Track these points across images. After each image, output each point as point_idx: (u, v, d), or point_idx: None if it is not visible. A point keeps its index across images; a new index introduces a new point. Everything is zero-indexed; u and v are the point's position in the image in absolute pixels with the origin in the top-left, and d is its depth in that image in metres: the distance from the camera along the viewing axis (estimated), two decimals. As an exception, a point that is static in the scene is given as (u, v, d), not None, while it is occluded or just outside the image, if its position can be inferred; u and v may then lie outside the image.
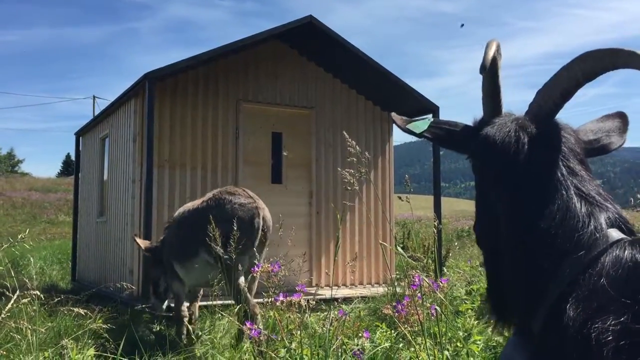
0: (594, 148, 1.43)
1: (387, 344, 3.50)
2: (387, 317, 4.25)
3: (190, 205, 5.16)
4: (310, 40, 8.38)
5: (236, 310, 4.11)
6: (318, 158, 8.65)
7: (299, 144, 8.56)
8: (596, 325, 1.02)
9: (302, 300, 3.06)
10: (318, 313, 5.47)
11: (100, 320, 4.03)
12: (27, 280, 3.99)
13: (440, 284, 3.22)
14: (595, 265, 1.12)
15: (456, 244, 13.79)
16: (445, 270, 8.46)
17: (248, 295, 4.50)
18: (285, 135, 8.50)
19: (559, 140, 1.32)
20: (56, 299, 4.32)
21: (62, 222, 24.75)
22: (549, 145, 1.31)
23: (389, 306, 4.07)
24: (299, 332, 3.06)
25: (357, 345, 3.40)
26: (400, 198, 3.34)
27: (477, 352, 3.45)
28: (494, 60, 1.39)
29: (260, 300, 4.83)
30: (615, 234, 1.18)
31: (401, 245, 10.72)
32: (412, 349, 3.19)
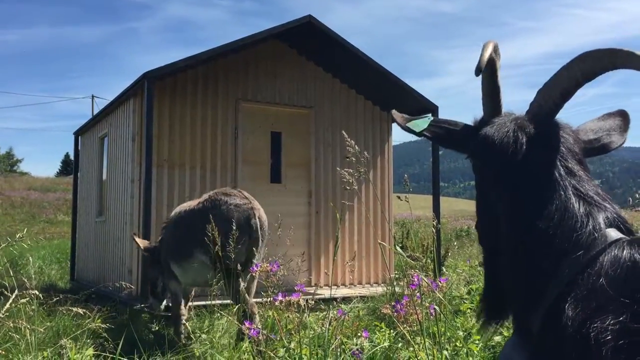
0: (594, 147, 1.42)
1: (386, 344, 3.50)
2: (386, 317, 4.25)
3: (186, 205, 5.21)
4: (309, 40, 8.38)
5: (235, 310, 4.11)
6: (317, 157, 8.65)
7: (298, 143, 8.56)
8: (595, 325, 1.03)
9: (301, 299, 3.06)
10: (317, 313, 5.47)
11: (99, 320, 4.03)
12: (25, 280, 3.99)
13: (439, 283, 3.22)
14: (593, 265, 1.13)
15: (455, 243, 13.80)
16: (444, 269, 8.46)
17: (246, 295, 4.51)
18: (284, 134, 8.50)
19: (558, 140, 1.32)
20: (55, 299, 4.32)
21: (61, 222, 24.74)
22: (547, 146, 1.31)
23: (388, 306, 4.07)
24: (298, 332, 3.06)
25: (356, 344, 3.40)
26: (399, 198, 3.34)
27: (476, 352, 3.45)
28: (491, 61, 1.39)
29: (259, 299, 4.85)
30: (613, 233, 1.18)
31: (400, 245, 10.72)
32: (411, 348, 3.19)
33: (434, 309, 2.97)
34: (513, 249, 1.29)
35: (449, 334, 3.67)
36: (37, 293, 3.71)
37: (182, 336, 4.91)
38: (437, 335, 2.97)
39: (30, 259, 10.30)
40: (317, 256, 8.48)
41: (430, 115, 1.59)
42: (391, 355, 3.38)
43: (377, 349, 3.43)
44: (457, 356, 3.40)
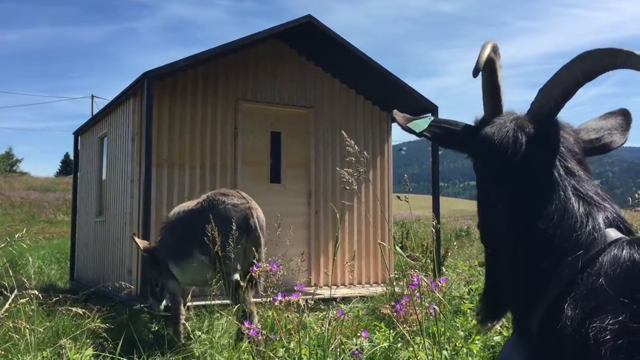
0: (595, 147, 1.42)
1: (385, 344, 3.50)
2: (386, 317, 4.25)
3: (185, 205, 5.26)
4: (309, 40, 8.38)
5: (234, 310, 4.11)
6: (317, 157, 8.65)
7: (297, 143, 8.56)
8: (594, 325, 1.03)
9: (300, 299, 3.06)
10: (317, 313, 5.47)
11: (98, 320, 4.03)
12: (25, 280, 3.99)
13: (439, 283, 3.22)
14: (593, 265, 1.13)
15: (455, 243, 13.80)
16: (443, 269, 8.46)
17: (245, 294, 4.52)
18: (284, 134, 8.50)
19: (558, 140, 1.32)
20: (54, 299, 4.32)
21: (60, 222, 24.73)
22: (547, 146, 1.31)
23: (387, 306, 4.07)
24: (297, 332, 3.06)
25: (356, 345, 3.40)
26: (399, 198, 3.34)
27: (475, 352, 3.45)
28: (491, 61, 1.39)
29: (259, 300, 4.84)
30: (613, 233, 1.18)
31: (400, 245, 10.72)
32: (411, 348, 3.19)
33: (434, 309, 2.97)
34: (513, 249, 1.29)
35: (448, 334, 3.67)
36: (37, 293, 3.71)
37: (182, 336, 4.93)
38: (436, 335, 2.97)
39: (30, 259, 10.30)
40: (317, 256, 8.48)
41: (430, 115, 1.58)
42: (391, 355, 3.38)
43: (376, 349, 3.43)
44: (457, 356, 3.40)
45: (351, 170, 2.94)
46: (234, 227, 4.10)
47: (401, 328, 3.10)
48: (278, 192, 8.26)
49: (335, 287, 8.25)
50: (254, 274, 3.36)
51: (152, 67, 7.25)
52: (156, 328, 5.65)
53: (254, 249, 4.80)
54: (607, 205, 1.24)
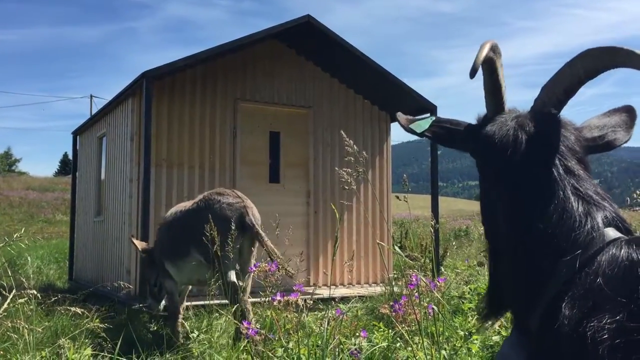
0: (598, 145, 1.41)
1: (384, 344, 3.50)
2: (385, 317, 4.25)
3: (181, 205, 5.31)
4: (308, 40, 8.37)
5: (233, 309, 4.11)
6: (316, 157, 8.65)
7: (296, 143, 8.55)
8: (592, 324, 1.03)
9: (299, 299, 3.06)
10: (315, 312, 5.47)
11: (97, 320, 4.02)
12: (24, 280, 3.98)
13: (438, 283, 3.22)
14: (591, 264, 1.13)
15: (454, 243, 13.80)
16: (442, 269, 8.46)
17: (240, 292, 4.55)
18: (283, 134, 8.49)
19: (558, 139, 1.32)
20: (53, 299, 4.31)
21: (59, 222, 24.71)
22: (547, 144, 1.31)
23: (386, 305, 4.08)
24: (296, 332, 3.06)
25: (355, 344, 3.40)
26: (398, 197, 3.34)
27: (474, 352, 3.45)
28: (490, 61, 1.39)
29: (258, 299, 4.84)
30: (612, 233, 1.18)
31: (399, 245, 10.72)
32: (410, 348, 3.19)
33: (432, 308, 2.97)
34: (512, 248, 1.29)
35: (447, 334, 3.67)
36: (36, 293, 3.71)
37: (180, 335, 4.93)
38: (435, 335, 2.97)
39: (29, 258, 10.29)
40: (316, 256, 8.48)
41: (432, 115, 1.58)
42: (389, 355, 3.38)
43: (375, 349, 3.43)
44: (456, 356, 3.40)
45: (350, 170, 2.94)
46: (233, 227, 4.12)
47: (400, 328, 3.10)
48: (277, 192, 8.26)
49: (334, 287, 8.25)
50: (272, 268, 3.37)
51: (151, 67, 7.25)
52: (155, 328, 5.65)
53: (252, 248, 4.82)
54: (606, 204, 1.24)
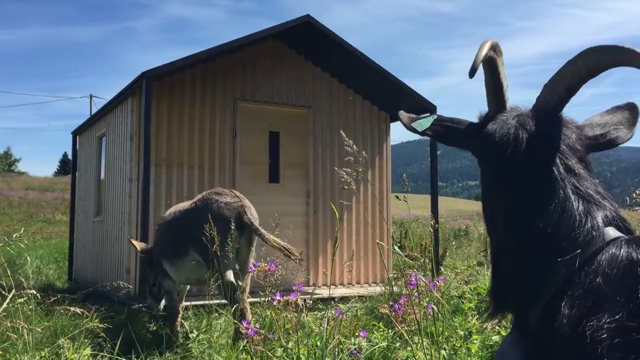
0: (600, 143, 1.40)
1: (384, 344, 3.50)
2: (384, 317, 4.25)
3: (180, 205, 5.35)
4: (307, 40, 8.37)
5: (232, 309, 4.12)
6: (315, 157, 8.64)
7: (296, 143, 8.55)
8: (591, 323, 1.03)
9: (299, 299, 3.06)
10: (315, 312, 5.47)
11: (96, 320, 4.02)
12: (23, 280, 3.99)
13: (437, 283, 3.22)
14: (591, 264, 1.13)
15: (453, 243, 13.80)
16: (442, 269, 8.47)
17: (239, 292, 4.57)
18: (282, 134, 8.49)
19: (559, 137, 1.32)
20: (53, 298, 4.31)
21: (59, 221, 24.70)
22: (548, 143, 1.31)
23: (386, 305, 4.08)
24: (296, 332, 3.06)
25: (354, 344, 3.40)
26: (397, 197, 3.34)
27: (474, 351, 3.45)
28: (491, 59, 1.39)
29: (257, 299, 4.85)
30: (612, 232, 1.18)
31: (398, 245, 10.73)
32: (409, 348, 3.19)
33: (432, 308, 2.97)
34: (512, 246, 1.29)
35: (447, 334, 3.67)
36: (35, 293, 3.71)
37: (179, 335, 4.94)
38: (435, 335, 2.97)
39: (28, 258, 10.29)
40: (315, 256, 8.48)
41: (434, 114, 1.57)
42: (389, 354, 3.38)
43: (375, 349, 3.43)
44: (456, 355, 3.40)
45: (350, 170, 2.94)
46: (233, 227, 4.13)
47: (399, 328, 3.10)
48: (276, 192, 8.26)
49: (333, 286, 8.25)
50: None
51: (151, 66, 7.25)
52: (154, 328, 5.65)
53: (251, 247, 4.83)
54: (606, 203, 1.24)
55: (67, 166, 51.52)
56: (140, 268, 6.53)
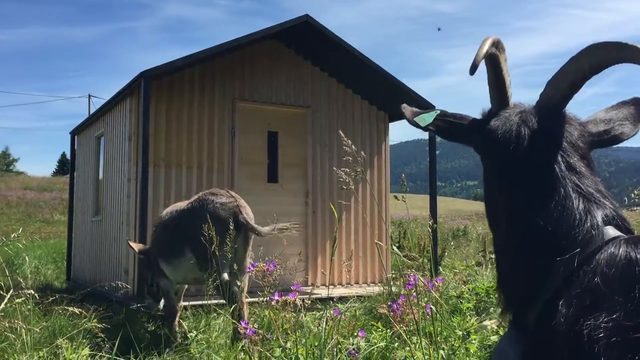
0: (604, 139, 1.39)
1: (382, 343, 3.50)
2: (383, 317, 4.25)
3: (177, 205, 5.37)
4: (306, 40, 8.37)
5: (231, 310, 4.12)
6: (314, 157, 8.64)
7: (295, 143, 8.55)
8: (588, 322, 1.03)
9: (297, 299, 3.06)
10: (314, 312, 5.47)
11: (95, 320, 4.02)
12: (21, 280, 3.98)
13: (436, 283, 3.22)
14: (589, 263, 1.13)
15: (452, 243, 13.80)
16: (440, 269, 8.47)
17: (234, 290, 4.59)
18: (281, 134, 8.49)
19: (561, 134, 1.31)
20: (51, 298, 4.31)
21: (57, 221, 24.68)
22: (549, 140, 1.30)
23: (384, 305, 4.08)
24: (294, 332, 3.06)
25: (353, 344, 3.40)
26: (396, 197, 3.34)
27: (472, 352, 3.45)
28: (493, 56, 1.38)
29: (256, 299, 4.84)
30: (611, 231, 1.18)
31: (397, 245, 10.73)
32: (408, 348, 3.19)
33: (431, 308, 2.97)
34: (513, 244, 1.29)
35: (445, 334, 3.67)
36: (33, 293, 3.71)
37: (178, 335, 4.94)
38: (433, 335, 2.97)
39: (27, 258, 10.28)
40: (314, 256, 8.47)
41: (437, 109, 1.56)
42: (387, 354, 3.38)
43: (373, 349, 3.42)
44: (454, 355, 3.40)
45: (348, 170, 2.94)
46: (232, 226, 4.13)
47: (398, 327, 3.10)
48: (275, 192, 8.25)
49: (332, 286, 8.25)
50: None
51: (150, 66, 7.24)
52: (153, 328, 5.65)
53: (247, 247, 4.86)
54: (606, 202, 1.24)
55: (65, 166, 51.47)
56: (139, 269, 6.52)
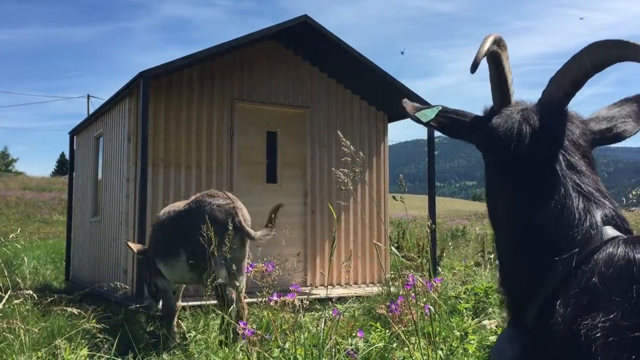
0: (606, 137, 1.39)
1: (381, 344, 3.50)
2: (382, 317, 4.25)
3: (175, 205, 5.39)
4: (305, 40, 8.37)
5: (229, 311, 4.12)
6: (313, 157, 8.64)
7: (294, 143, 8.55)
8: (585, 322, 1.03)
9: (296, 300, 3.06)
10: (312, 313, 5.47)
11: (93, 320, 4.02)
12: (20, 280, 3.98)
13: (434, 283, 3.22)
14: (588, 263, 1.13)
15: (450, 243, 13.81)
16: (439, 270, 8.47)
17: (231, 290, 4.60)
18: (280, 134, 8.49)
19: (563, 133, 1.31)
20: (49, 299, 4.31)
21: (56, 222, 24.65)
22: (551, 139, 1.30)
23: (383, 306, 4.08)
24: (293, 332, 3.06)
25: (351, 344, 3.40)
26: (394, 198, 3.34)
27: (471, 352, 3.46)
28: (494, 54, 1.38)
29: (254, 300, 4.85)
30: (610, 231, 1.18)
31: (396, 245, 10.73)
32: (406, 348, 3.19)
33: (429, 309, 2.97)
34: (514, 242, 1.29)
35: (444, 334, 3.67)
36: (32, 293, 3.71)
37: (177, 335, 4.94)
38: (432, 335, 2.97)
39: (25, 259, 10.26)
40: (313, 256, 8.47)
41: (439, 105, 1.56)
42: (386, 355, 3.38)
43: (372, 349, 3.43)
44: (452, 356, 3.40)
45: (347, 171, 2.94)
46: (230, 227, 4.14)
47: (396, 328, 3.10)
48: (274, 192, 8.25)
49: (331, 287, 8.25)
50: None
51: (149, 66, 7.23)
52: (152, 328, 5.64)
53: (244, 248, 4.87)
54: (606, 202, 1.24)
55: (64, 166, 51.42)
56: (138, 269, 6.52)
